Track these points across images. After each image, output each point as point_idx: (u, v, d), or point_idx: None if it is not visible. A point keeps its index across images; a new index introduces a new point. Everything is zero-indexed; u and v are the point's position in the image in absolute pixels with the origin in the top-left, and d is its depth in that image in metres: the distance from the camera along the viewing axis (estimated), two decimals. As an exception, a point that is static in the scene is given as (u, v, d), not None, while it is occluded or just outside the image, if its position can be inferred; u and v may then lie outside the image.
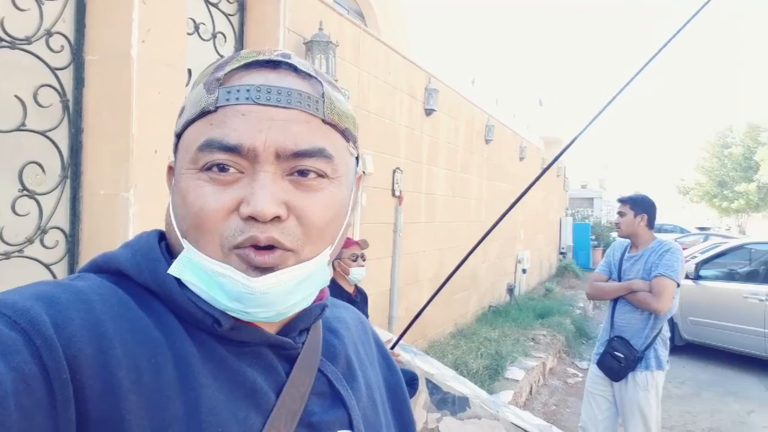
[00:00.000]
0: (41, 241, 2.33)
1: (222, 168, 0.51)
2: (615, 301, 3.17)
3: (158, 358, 0.49)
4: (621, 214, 3.19)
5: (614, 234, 16.76)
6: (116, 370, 0.46)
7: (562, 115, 20.88)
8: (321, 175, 0.54)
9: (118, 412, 0.45)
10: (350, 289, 3.55)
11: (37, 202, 2.32)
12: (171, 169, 0.59)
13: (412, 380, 3.55)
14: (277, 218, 0.51)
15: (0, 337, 0.42)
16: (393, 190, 4.87)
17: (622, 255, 3.23)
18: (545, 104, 18.75)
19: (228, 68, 0.54)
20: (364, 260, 3.57)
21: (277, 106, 0.52)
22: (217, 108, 0.52)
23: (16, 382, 0.40)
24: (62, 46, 2.36)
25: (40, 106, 2.29)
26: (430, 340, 5.87)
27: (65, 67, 2.38)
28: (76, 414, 0.43)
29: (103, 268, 0.55)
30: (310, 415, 0.57)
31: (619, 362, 3.03)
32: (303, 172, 0.53)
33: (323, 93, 0.55)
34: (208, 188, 0.52)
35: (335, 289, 3.46)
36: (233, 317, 0.54)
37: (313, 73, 0.56)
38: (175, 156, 0.57)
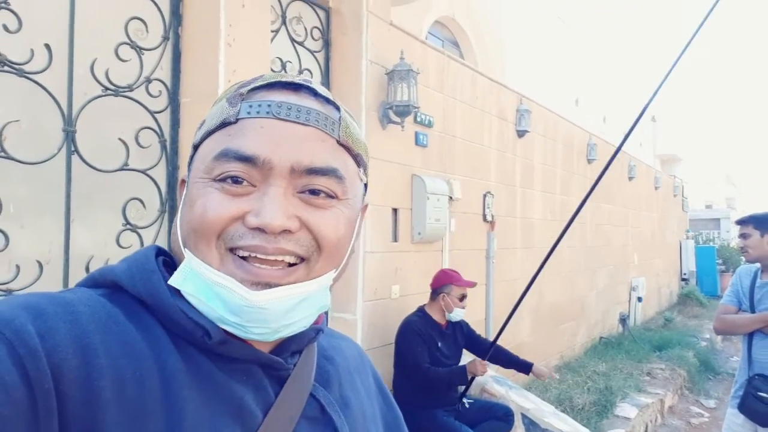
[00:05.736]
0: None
1: (235, 180, 0.52)
2: (751, 335, 2.81)
3: (143, 371, 0.48)
4: (745, 236, 2.87)
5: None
6: (99, 381, 0.46)
7: (680, 130, 19.45)
8: (331, 195, 0.55)
9: (98, 424, 0.45)
10: (442, 322, 3.46)
11: (139, 235, 2.52)
12: (183, 183, 0.61)
13: (506, 415, 3.37)
14: (287, 231, 0.51)
15: None
16: (484, 215, 4.74)
17: (753, 282, 2.88)
18: (660, 120, 17.59)
19: (252, 86, 0.57)
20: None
21: (295, 122, 0.54)
22: (237, 120, 0.54)
23: None
24: (160, 91, 2.58)
25: (141, 147, 2.50)
26: (533, 372, 5.56)
27: (163, 110, 2.59)
28: (59, 425, 0.44)
29: (99, 281, 0.56)
30: None
31: (766, 404, 2.67)
32: (314, 191, 0.54)
33: (340, 117, 0.57)
34: (217, 195, 0.52)
35: (425, 319, 3.39)
36: (225, 331, 0.53)
37: (331, 99, 0.58)
38: (190, 169, 0.59)
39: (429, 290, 3.52)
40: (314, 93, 0.57)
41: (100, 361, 0.46)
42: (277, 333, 0.53)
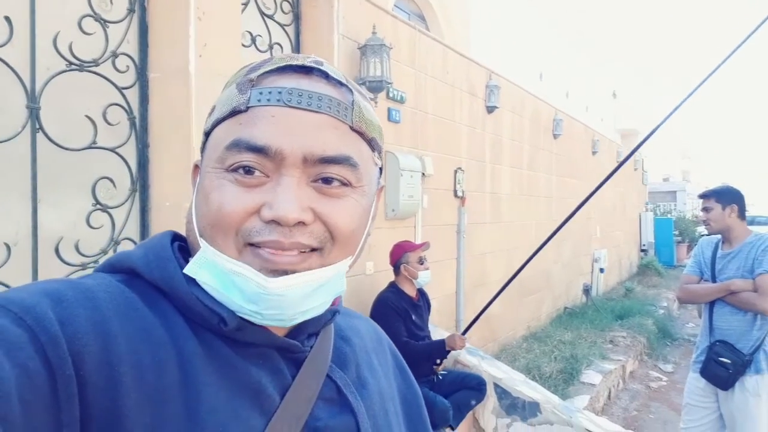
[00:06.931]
0: (114, 252, 2.46)
1: (248, 170, 0.51)
2: (712, 303, 2.94)
3: (161, 356, 0.49)
4: (707, 209, 2.97)
5: (700, 229, 15.72)
6: (119, 367, 0.46)
7: (639, 106, 19.91)
8: (345, 183, 0.54)
9: (119, 409, 0.45)
10: (413, 294, 3.51)
11: (110, 215, 2.45)
12: (197, 168, 0.60)
13: (479, 385, 3.46)
14: (301, 223, 0.51)
15: (5, 333, 0.42)
16: (455, 191, 4.79)
17: (714, 253, 2.99)
18: (621, 96, 17.94)
19: (261, 70, 0.55)
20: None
21: (307, 110, 0.52)
22: (248, 108, 0.53)
23: (20, 378, 0.41)
24: (127, 66, 2.49)
25: (109, 124, 2.42)
26: (502, 343, 5.72)
27: (131, 86, 2.51)
28: (80, 410, 0.44)
29: (116, 267, 0.56)
30: (316, 419, 0.56)
31: (726, 368, 2.79)
32: (327, 180, 0.53)
33: (353, 101, 0.56)
34: (231, 188, 0.52)
35: (398, 293, 3.44)
36: (240, 317, 0.53)
37: (344, 81, 0.57)
38: (202, 155, 0.58)
39: (400, 267, 3.55)
40: (326, 76, 0.56)
41: (120, 347, 0.47)
42: (294, 319, 0.54)
